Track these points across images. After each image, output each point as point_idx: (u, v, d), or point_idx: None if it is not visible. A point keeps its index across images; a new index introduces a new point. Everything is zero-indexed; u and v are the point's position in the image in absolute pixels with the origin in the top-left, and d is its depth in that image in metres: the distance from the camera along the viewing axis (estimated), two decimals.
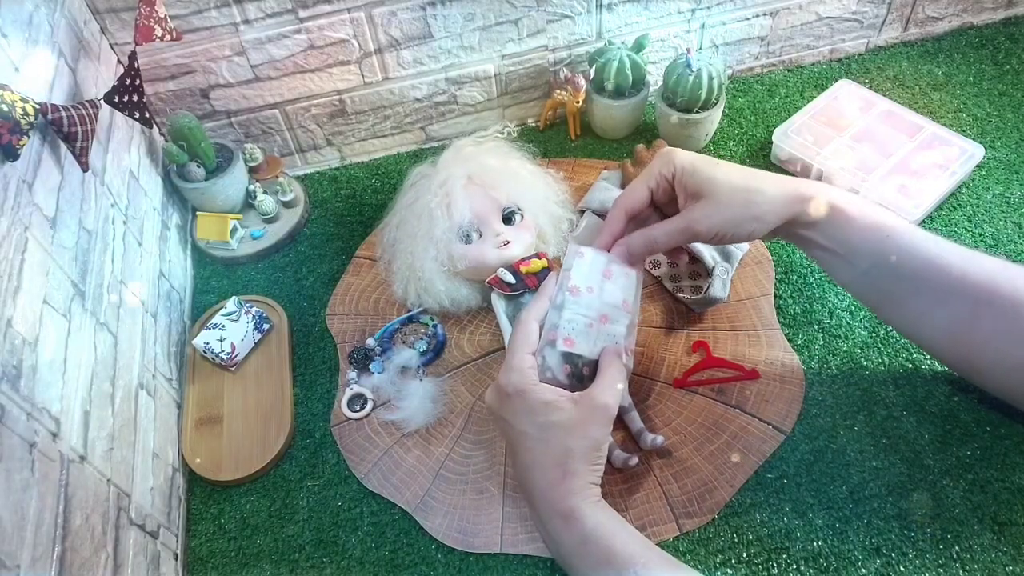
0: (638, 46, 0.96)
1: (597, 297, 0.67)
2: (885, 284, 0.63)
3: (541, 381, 0.64)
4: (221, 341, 0.83)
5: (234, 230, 0.94)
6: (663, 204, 0.69)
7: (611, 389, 0.63)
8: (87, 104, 0.71)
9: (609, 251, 0.69)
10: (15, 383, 0.53)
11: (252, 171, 0.99)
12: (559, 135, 1.05)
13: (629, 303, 0.69)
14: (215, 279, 0.94)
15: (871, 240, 0.62)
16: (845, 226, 0.62)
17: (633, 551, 0.57)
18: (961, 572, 0.63)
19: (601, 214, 0.90)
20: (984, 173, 0.92)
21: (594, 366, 0.66)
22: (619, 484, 0.71)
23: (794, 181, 0.65)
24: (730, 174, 0.64)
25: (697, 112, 0.94)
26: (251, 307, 0.86)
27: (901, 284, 0.62)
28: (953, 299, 0.61)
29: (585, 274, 0.68)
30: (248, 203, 0.98)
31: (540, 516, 0.62)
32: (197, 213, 0.94)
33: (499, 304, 0.82)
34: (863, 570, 0.64)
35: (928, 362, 0.76)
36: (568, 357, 0.66)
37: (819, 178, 0.92)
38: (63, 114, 0.67)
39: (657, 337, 0.81)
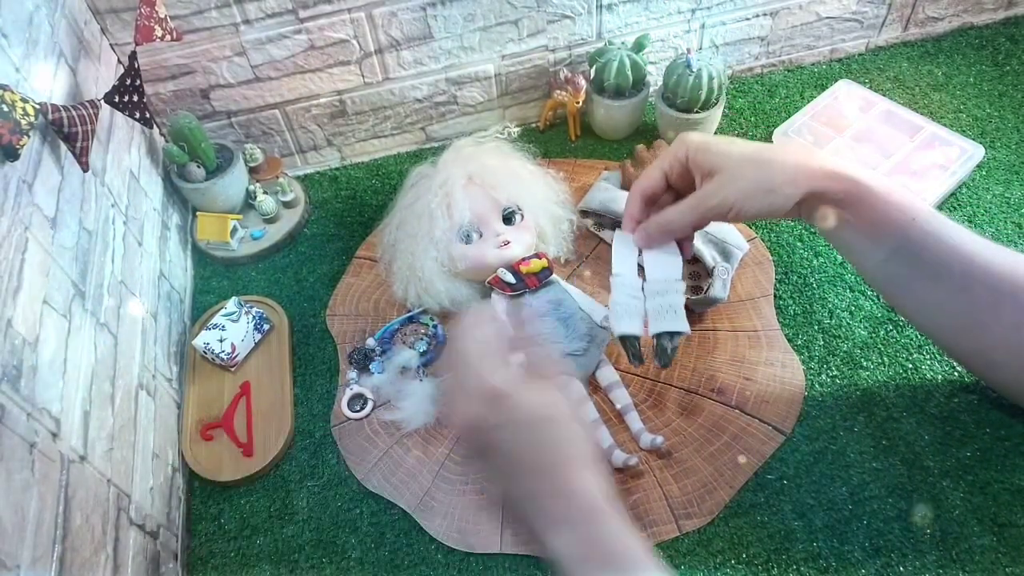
0: (638, 46, 0.96)
1: (635, 276, 0.68)
2: (907, 269, 0.62)
3: None
4: (221, 341, 0.83)
5: (234, 230, 0.94)
6: (681, 188, 0.67)
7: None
8: (87, 104, 0.71)
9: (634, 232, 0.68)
10: (15, 383, 0.53)
11: (252, 171, 0.99)
12: (559, 135, 1.05)
13: (678, 277, 0.69)
14: (215, 279, 0.94)
15: (897, 222, 0.60)
16: (871, 204, 0.60)
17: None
18: (961, 573, 0.63)
19: (602, 214, 0.90)
20: (984, 173, 0.92)
21: (649, 342, 0.67)
22: (619, 484, 0.71)
23: (815, 156, 0.62)
24: (744, 148, 0.62)
25: (697, 112, 0.94)
26: (251, 307, 0.86)
27: (923, 270, 0.61)
28: (975, 288, 0.59)
29: (622, 258, 0.69)
30: (248, 203, 0.98)
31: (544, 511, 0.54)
32: (197, 213, 0.94)
33: (499, 304, 0.82)
34: (863, 571, 0.64)
35: (928, 362, 0.76)
36: (625, 339, 0.67)
37: None
38: (63, 114, 0.67)
39: None
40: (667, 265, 0.69)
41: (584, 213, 0.92)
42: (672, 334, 0.68)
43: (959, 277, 0.60)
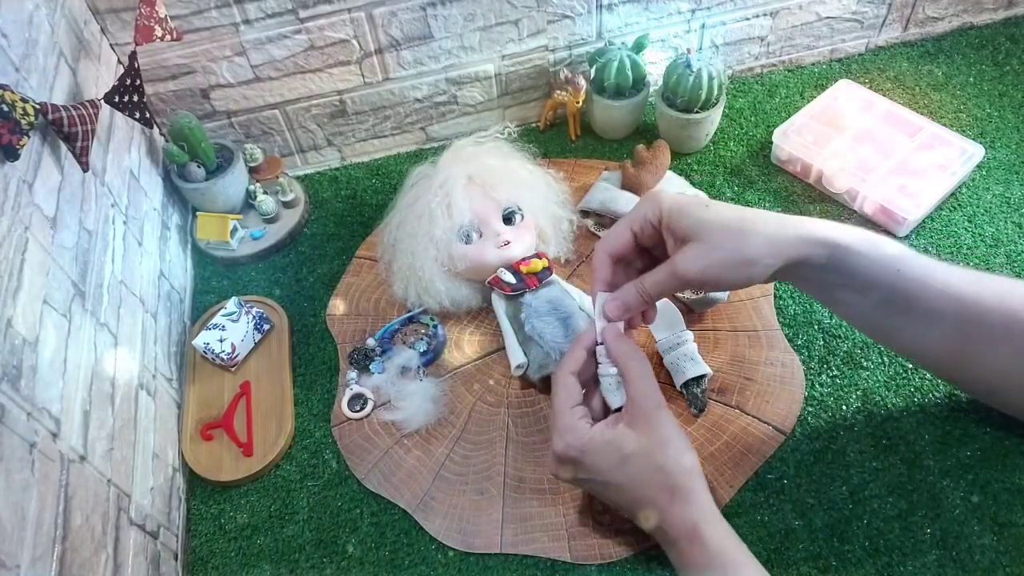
0: (638, 46, 0.96)
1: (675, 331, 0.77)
2: (897, 316, 0.62)
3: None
4: (221, 341, 0.83)
5: (234, 230, 0.94)
6: (650, 247, 0.64)
7: (647, 384, 0.61)
8: (87, 104, 0.71)
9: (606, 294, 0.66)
10: (15, 383, 0.53)
11: (252, 171, 0.99)
12: (559, 135, 1.05)
13: (683, 328, 0.78)
14: (215, 279, 0.94)
15: (882, 274, 0.60)
16: (855, 263, 0.60)
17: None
18: (961, 573, 0.63)
19: (602, 214, 0.90)
20: (984, 173, 0.92)
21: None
22: None
23: (791, 223, 0.60)
24: (721, 214, 0.59)
25: (697, 112, 0.94)
26: (251, 307, 0.86)
27: (914, 316, 0.61)
28: (968, 327, 0.59)
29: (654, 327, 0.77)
30: (248, 203, 0.98)
31: (666, 541, 0.61)
32: (197, 213, 0.94)
33: (499, 304, 0.82)
34: (863, 570, 0.64)
35: None
36: (688, 386, 0.76)
37: (819, 179, 0.92)
38: (63, 114, 0.67)
39: None
40: (669, 320, 0.77)
41: (584, 213, 0.92)
42: (697, 379, 0.75)
43: (950, 318, 0.60)
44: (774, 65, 1.09)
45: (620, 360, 0.63)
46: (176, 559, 0.71)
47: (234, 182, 0.94)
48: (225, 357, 0.82)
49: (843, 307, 0.65)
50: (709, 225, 0.58)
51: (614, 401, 0.65)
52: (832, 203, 0.91)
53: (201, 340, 0.83)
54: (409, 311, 0.86)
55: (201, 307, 0.91)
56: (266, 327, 0.87)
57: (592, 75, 0.99)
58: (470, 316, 0.86)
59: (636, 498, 0.61)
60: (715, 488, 0.70)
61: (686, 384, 0.75)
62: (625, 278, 0.64)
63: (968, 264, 0.83)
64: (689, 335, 0.77)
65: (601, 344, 0.65)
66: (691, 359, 0.75)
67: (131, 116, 0.81)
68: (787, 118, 0.97)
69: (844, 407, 0.74)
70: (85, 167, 0.70)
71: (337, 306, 0.89)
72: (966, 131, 0.95)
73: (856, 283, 0.61)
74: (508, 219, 0.84)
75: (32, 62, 0.68)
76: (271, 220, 0.96)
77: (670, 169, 0.93)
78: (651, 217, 0.61)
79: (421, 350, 0.83)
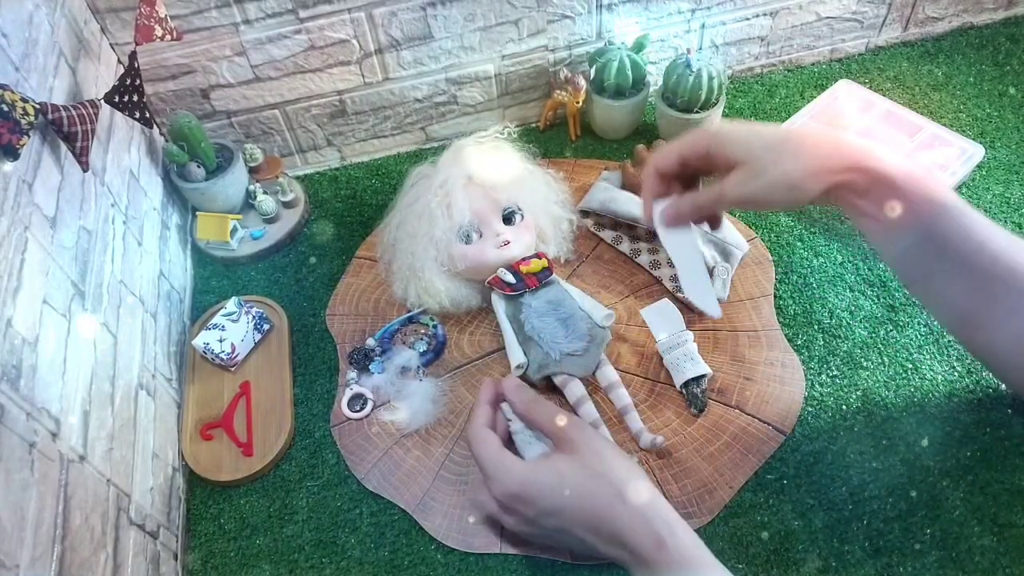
0: (638, 46, 0.96)
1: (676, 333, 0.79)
2: (929, 260, 0.61)
3: None
4: (221, 341, 0.82)
5: (234, 230, 0.94)
6: (697, 169, 0.67)
7: (560, 416, 0.62)
8: (87, 104, 0.71)
9: (651, 211, 0.68)
10: (15, 383, 0.53)
11: (252, 171, 0.99)
12: (559, 135, 1.05)
13: (683, 328, 0.80)
14: (215, 279, 0.94)
15: (923, 214, 0.59)
16: (896, 197, 0.59)
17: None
18: (961, 574, 0.63)
19: (602, 214, 0.90)
20: (984, 173, 0.92)
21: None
22: None
23: (839, 146, 0.60)
24: (765, 138, 0.61)
25: (697, 112, 0.94)
26: (251, 307, 0.86)
27: (946, 263, 0.60)
28: (996, 285, 0.58)
29: (657, 326, 0.80)
30: (248, 203, 0.98)
31: (631, 556, 0.57)
32: (197, 213, 0.94)
33: (499, 304, 0.82)
34: (863, 571, 0.64)
35: (928, 362, 0.76)
36: (689, 384, 0.76)
37: None
38: (63, 114, 0.67)
39: None
40: (669, 320, 0.79)
41: (584, 213, 0.92)
42: (697, 379, 0.75)
43: (980, 274, 0.59)
44: (774, 65, 1.09)
45: (524, 410, 0.64)
46: (176, 559, 0.71)
47: (234, 182, 0.94)
48: (225, 357, 0.82)
49: (878, 241, 0.64)
50: (754, 150, 0.61)
51: (532, 455, 0.64)
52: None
53: (201, 340, 0.83)
54: (409, 311, 0.86)
55: (201, 307, 0.91)
56: (266, 327, 0.87)
57: (592, 75, 0.99)
58: (470, 316, 0.86)
59: (587, 513, 0.58)
60: (715, 488, 0.70)
61: (686, 384, 0.75)
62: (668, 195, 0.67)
63: None
64: (689, 335, 0.77)
65: (504, 403, 0.65)
66: (691, 359, 0.75)
67: (131, 116, 0.81)
68: (787, 118, 0.97)
69: (844, 407, 0.74)
70: (85, 167, 0.70)
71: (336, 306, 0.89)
72: (966, 131, 0.95)
73: (891, 217, 0.60)
74: (508, 219, 0.84)
75: (32, 62, 0.68)
76: (271, 220, 0.97)
77: None
78: (699, 147, 0.63)
79: (421, 350, 0.83)
